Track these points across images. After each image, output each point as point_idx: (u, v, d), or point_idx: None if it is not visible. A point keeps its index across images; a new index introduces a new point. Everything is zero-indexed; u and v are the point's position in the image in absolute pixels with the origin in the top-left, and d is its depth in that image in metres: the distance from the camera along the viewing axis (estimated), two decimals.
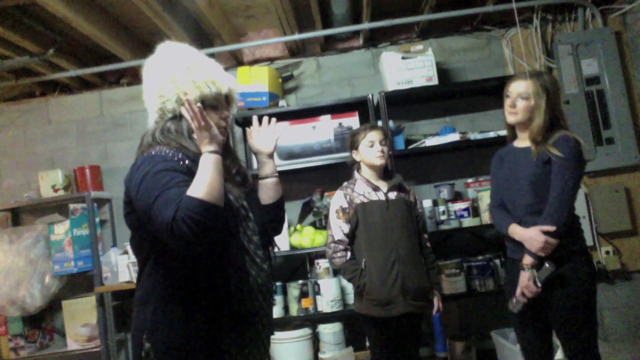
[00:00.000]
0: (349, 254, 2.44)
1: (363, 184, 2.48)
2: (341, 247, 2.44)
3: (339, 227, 2.46)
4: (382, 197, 2.44)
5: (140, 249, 1.44)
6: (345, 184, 2.56)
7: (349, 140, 2.58)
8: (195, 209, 1.22)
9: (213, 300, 1.37)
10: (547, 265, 1.96)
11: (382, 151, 2.44)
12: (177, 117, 1.46)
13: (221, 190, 1.30)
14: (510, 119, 2.16)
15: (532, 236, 2.00)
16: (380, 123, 3.13)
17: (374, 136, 2.46)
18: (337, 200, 2.51)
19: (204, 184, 1.27)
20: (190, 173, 1.33)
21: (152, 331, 1.36)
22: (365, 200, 2.44)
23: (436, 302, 2.47)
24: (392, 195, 2.46)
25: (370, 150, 2.45)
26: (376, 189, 2.45)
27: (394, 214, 2.41)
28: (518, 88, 2.12)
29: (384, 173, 2.54)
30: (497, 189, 2.28)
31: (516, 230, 2.10)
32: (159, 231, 1.26)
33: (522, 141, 2.19)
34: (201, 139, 1.34)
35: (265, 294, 1.47)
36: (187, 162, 1.37)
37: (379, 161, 2.44)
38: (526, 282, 2.01)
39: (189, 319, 1.35)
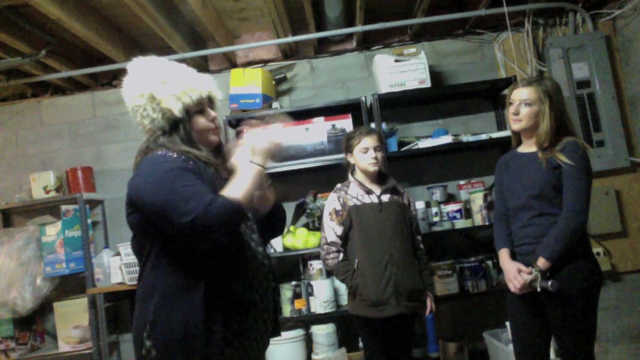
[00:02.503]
0: (341, 255, 2.46)
1: (356, 187, 2.50)
2: (334, 248, 2.46)
3: (332, 229, 2.48)
4: (375, 200, 2.46)
5: (141, 248, 1.44)
6: (339, 186, 2.57)
7: (344, 143, 2.59)
8: (229, 210, 1.28)
9: (214, 295, 1.38)
10: (551, 282, 1.94)
11: (376, 157, 2.45)
12: (168, 133, 1.46)
13: (252, 201, 1.36)
14: (515, 126, 2.15)
15: (512, 272, 2.07)
16: (373, 125, 3.14)
17: (369, 142, 2.47)
18: (330, 202, 2.53)
19: (243, 190, 1.34)
20: (195, 173, 1.35)
21: (153, 327, 1.36)
22: (359, 203, 2.45)
23: (429, 303, 2.49)
24: (386, 198, 2.48)
25: (364, 157, 2.47)
26: (369, 192, 2.47)
27: (387, 216, 2.43)
28: (520, 95, 2.11)
29: (378, 176, 2.55)
30: (501, 197, 2.27)
31: (503, 257, 2.16)
32: (175, 226, 1.27)
33: (528, 147, 2.18)
34: (255, 149, 1.39)
35: (265, 290, 1.49)
36: (190, 163, 1.38)
37: (372, 167, 2.46)
38: (525, 280, 2.01)
39: (191, 313, 1.36)
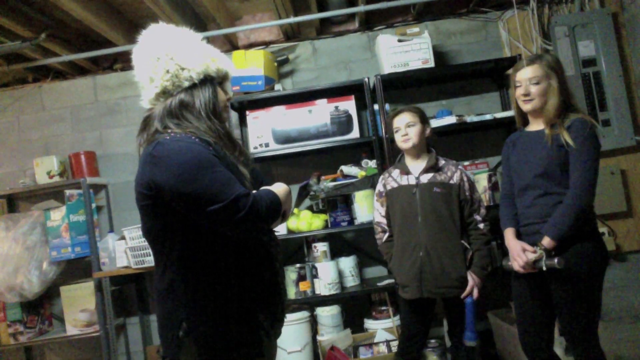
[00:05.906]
0: (386, 235, 2.56)
1: (398, 169, 2.54)
2: (379, 228, 2.59)
3: (377, 210, 2.60)
4: (413, 182, 2.45)
5: (164, 238, 1.39)
6: (391, 167, 2.65)
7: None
8: (275, 205, 1.36)
9: (248, 286, 1.40)
10: (557, 259, 1.93)
11: (407, 134, 2.45)
12: (193, 87, 1.43)
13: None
14: (527, 107, 2.12)
15: (516, 250, 2.07)
16: (376, 106, 3.12)
17: (398, 122, 2.50)
18: (378, 184, 2.63)
19: (285, 194, 1.44)
20: (218, 157, 1.35)
21: (189, 322, 1.35)
22: (395, 185, 2.51)
23: (469, 287, 2.37)
24: (425, 178, 2.45)
25: (397, 136, 2.52)
26: (408, 173, 2.48)
27: (420, 199, 2.40)
28: (526, 74, 2.09)
29: (425, 153, 2.52)
30: (508, 175, 2.26)
31: (507, 237, 2.16)
32: (210, 209, 1.27)
33: (536, 125, 2.17)
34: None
35: (283, 277, 1.54)
36: (210, 148, 1.37)
37: (403, 145, 2.49)
38: (529, 258, 2.00)
39: (226, 299, 1.37)
